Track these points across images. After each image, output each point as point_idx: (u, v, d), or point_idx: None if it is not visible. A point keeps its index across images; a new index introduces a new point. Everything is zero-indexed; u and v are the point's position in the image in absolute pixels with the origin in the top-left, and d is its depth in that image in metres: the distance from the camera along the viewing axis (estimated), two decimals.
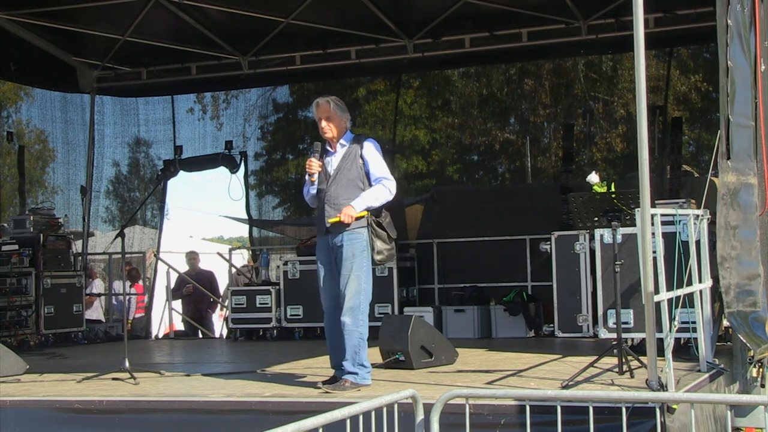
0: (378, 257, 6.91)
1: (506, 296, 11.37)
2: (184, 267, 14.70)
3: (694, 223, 7.24)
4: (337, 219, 6.81)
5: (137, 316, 14.27)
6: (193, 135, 14.71)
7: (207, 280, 14.38)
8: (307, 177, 7.04)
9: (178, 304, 14.31)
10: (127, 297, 13.59)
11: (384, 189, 6.95)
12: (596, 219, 7.41)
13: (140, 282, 14.53)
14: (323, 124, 7.02)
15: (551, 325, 10.34)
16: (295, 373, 7.96)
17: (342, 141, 7.06)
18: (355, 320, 6.81)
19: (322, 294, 7.05)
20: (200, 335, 13.88)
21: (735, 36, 6.56)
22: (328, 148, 7.08)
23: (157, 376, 8.08)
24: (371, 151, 7.02)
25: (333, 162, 7.02)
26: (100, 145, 14.61)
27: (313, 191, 7.06)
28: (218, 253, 15.56)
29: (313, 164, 6.96)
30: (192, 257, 14.68)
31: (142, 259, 14.39)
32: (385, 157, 7.18)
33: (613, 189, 7.54)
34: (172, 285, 13.94)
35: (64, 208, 14.02)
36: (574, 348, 9.45)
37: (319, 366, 8.22)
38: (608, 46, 12.84)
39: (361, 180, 6.95)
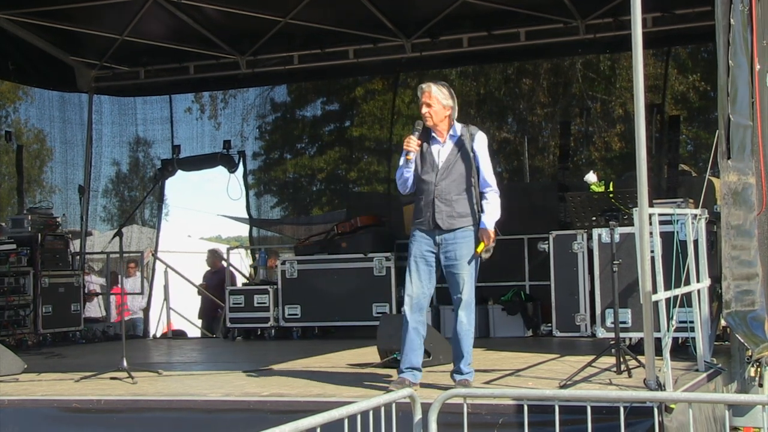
0: (486, 255, 6.77)
1: (504, 296, 11.36)
2: (190, 266, 14.75)
3: (692, 223, 7.24)
4: (483, 246, 6.65)
5: (127, 318, 14.19)
6: (191, 134, 14.70)
7: (224, 279, 14.26)
8: (402, 157, 6.69)
9: (177, 305, 14.27)
10: (115, 297, 13.60)
11: (498, 200, 6.75)
12: (594, 218, 7.41)
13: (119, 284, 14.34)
14: (423, 110, 6.69)
15: (549, 324, 10.34)
16: (293, 373, 7.96)
17: (451, 132, 6.75)
18: (470, 319, 6.79)
19: (409, 287, 6.69)
20: (209, 334, 13.82)
21: (737, 35, 6.56)
22: (436, 136, 6.74)
23: (155, 376, 8.08)
24: (483, 146, 6.75)
25: (441, 154, 6.71)
26: (98, 144, 14.60)
27: (408, 174, 6.70)
28: None
29: (412, 142, 6.63)
30: (211, 255, 14.78)
31: (140, 258, 14.37)
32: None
33: (611, 188, 7.53)
34: (170, 284, 13.93)
35: (62, 207, 14.00)
36: (572, 347, 9.44)
37: (318, 365, 8.23)
38: (606, 46, 12.83)
39: (472, 175, 6.66)
